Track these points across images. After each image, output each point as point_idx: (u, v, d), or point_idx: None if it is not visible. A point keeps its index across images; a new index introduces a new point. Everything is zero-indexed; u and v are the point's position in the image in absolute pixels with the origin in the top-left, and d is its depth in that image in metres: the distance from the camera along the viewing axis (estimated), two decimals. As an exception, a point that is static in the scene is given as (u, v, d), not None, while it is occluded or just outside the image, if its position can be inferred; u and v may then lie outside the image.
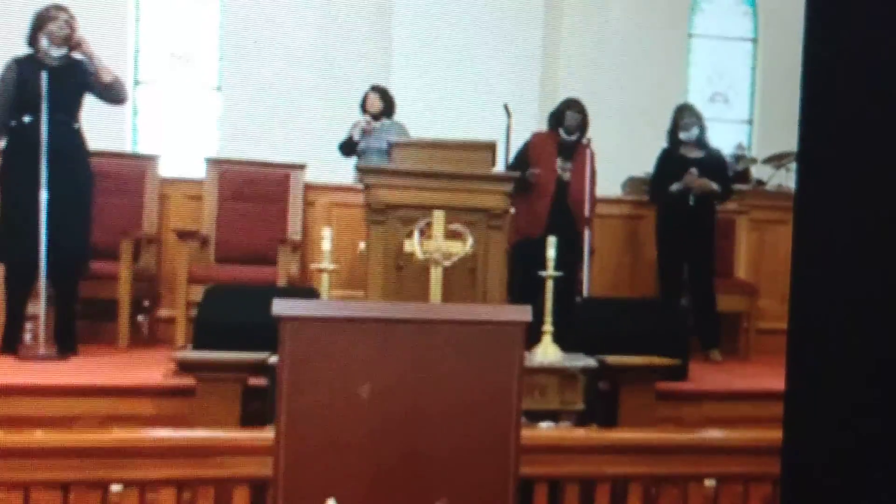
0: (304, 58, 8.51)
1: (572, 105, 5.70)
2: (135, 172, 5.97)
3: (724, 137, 8.62)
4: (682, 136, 5.84)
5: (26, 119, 4.77)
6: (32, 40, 4.91)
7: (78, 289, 5.07)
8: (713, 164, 5.85)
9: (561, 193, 5.55)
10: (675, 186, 5.72)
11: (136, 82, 8.66)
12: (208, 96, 8.82)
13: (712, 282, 5.82)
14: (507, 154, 5.67)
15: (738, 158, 7.99)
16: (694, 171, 5.66)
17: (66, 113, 4.83)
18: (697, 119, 5.89)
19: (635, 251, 6.48)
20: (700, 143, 5.88)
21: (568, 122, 5.62)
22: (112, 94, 5.07)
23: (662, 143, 6.02)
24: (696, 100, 8.66)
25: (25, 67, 4.86)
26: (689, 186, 5.66)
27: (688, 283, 5.80)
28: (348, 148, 6.21)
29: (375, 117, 6.25)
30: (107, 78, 4.98)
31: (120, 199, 5.83)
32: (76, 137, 4.94)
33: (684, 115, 5.92)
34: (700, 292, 5.78)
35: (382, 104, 6.31)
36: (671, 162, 5.86)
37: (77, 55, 4.92)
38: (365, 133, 6.13)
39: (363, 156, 6.09)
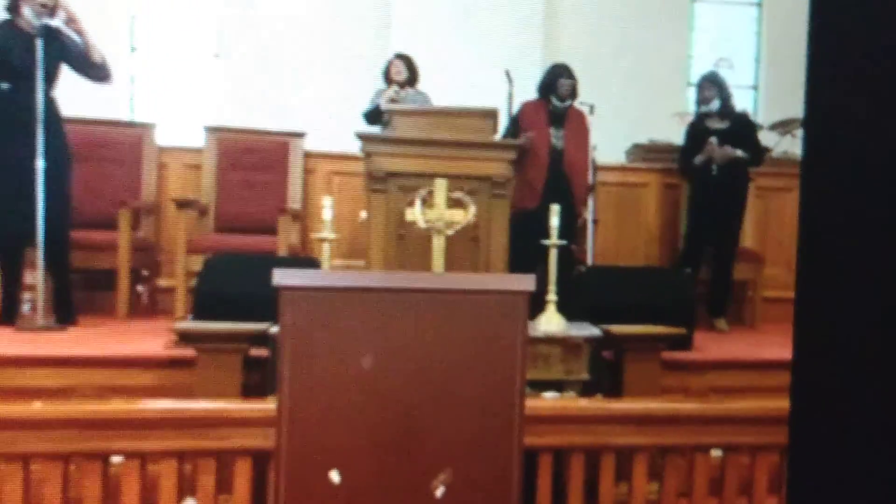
0: (303, 25, 8.43)
1: (563, 72, 5.56)
2: (132, 141, 5.93)
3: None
4: (703, 109, 5.86)
5: (4, 86, 4.72)
6: (13, 7, 4.83)
7: (69, 257, 5.02)
8: (738, 131, 5.81)
9: (555, 162, 5.45)
10: (698, 159, 5.73)
11: (133, 49, 8.57)
12: (207, 64, 8.72)
13: (734, 254, 5.84)
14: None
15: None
16: (713, 140, 5.65)
17: (45, 82, 4.72)
18: (718, 89, 5.86)
19: (638, 219, 6.44)
20: (724, 112, 5.84)
21: (561, 90, 5.50)
22: (98, 72, 5.00)
23: (665, 109, 5.96)
24: (700, 65, 8.59)
25: (5, 33, 4.79)
26: (711, 156, 5.65)
27: (711, 254, 5.81)
28: (374, 117, 5.99)
29: (400, 86, 6.12)
30: (96, 57, 4.94)
31: (118, 168, 5.82)
32: (53, 107, 4.86)
33: (704, 88, 5.92)
34: (720, 264, 5.80)
35: (407, 73, 6.20)
36: (696, 134, 5.87)
37: (55, 23, 4.78)
38: (393, 103, 5.95)
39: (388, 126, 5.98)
